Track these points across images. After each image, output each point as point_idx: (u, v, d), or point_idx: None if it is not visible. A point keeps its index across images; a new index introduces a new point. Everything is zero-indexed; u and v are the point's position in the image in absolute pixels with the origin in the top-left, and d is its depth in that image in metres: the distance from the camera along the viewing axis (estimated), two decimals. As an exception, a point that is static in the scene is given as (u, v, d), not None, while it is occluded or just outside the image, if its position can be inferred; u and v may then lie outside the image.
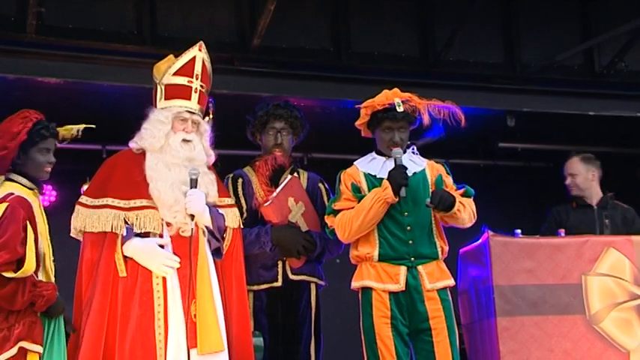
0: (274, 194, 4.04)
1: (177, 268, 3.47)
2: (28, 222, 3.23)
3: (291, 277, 4.07)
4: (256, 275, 4.05)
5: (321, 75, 5.44)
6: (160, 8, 5.22)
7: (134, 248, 3.47)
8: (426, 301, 3.77)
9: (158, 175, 3.55)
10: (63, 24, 4.97)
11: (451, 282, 3.87)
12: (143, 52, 5.06)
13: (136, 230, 3.50)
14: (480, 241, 4.27)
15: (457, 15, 5.49)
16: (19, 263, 3.18)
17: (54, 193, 5.93)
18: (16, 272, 3.14)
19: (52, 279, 3.36)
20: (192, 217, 3.52)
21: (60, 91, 5.07)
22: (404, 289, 3.76)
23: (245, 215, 4.11)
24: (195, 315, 3.40)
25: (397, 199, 3.73)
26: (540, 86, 5.80)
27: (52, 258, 3.39)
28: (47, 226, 3.42)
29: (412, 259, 3.78)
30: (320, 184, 4.32)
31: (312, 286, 4.14)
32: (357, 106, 3.97)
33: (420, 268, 3.79)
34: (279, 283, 4.05)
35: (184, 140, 3.62)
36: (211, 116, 4.11)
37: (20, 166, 3.34)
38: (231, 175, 4.25)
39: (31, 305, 3.21)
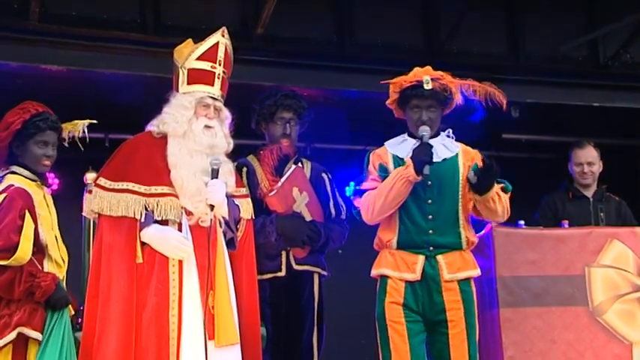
0: (279, 184, 4.03)
1: (196, 259, 3.44)
2: (27, 211, 3.23)
3: (295, 267, 4.07)
4: (260, 265, 4.04)
5: (324, 65, 5.42)
6: (164, -4, 5.20)
7: (152, 234, 3.43)
8: (443, 292, 3.62)
9: (181, 162, 3.50)
10: (66, 12, 4.96)
11: (475, 272, 3.70)
12: (146, 41, 5.05)
13: (156, 217, 3.45)
14: (483, 232, 4.26)
15: (461, 5, 5.47)
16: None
17: (56, 181, 5.93)
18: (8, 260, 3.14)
19: (62, 269, 3.36)
20: (211, 207, 3.48)
21: (63, 79, 5.06)
22: (419, 278, 3.62)
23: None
24: (213, 307, 3.38)
25: (420, 178, 3.57)
26: (545, 77, 5.78)
27: (60, 248, 3.37)
28: (54, 217, 3.41)
29: (431, 248, 3.64)
30: (323, 174, 4.31)
31: (316, 277, 4.14)
32: (383, 82, 3.82)
33: (439, 257, 3.64)
34: (282, 273, 4.05)
35: (206, 126, 3.58)
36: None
37: (20, 158, 3.34)
38: (235, 164, 4.23)
39: (31, 295, 3.21)
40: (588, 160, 4.88)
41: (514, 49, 5.82)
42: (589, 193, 4.92)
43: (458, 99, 3.69)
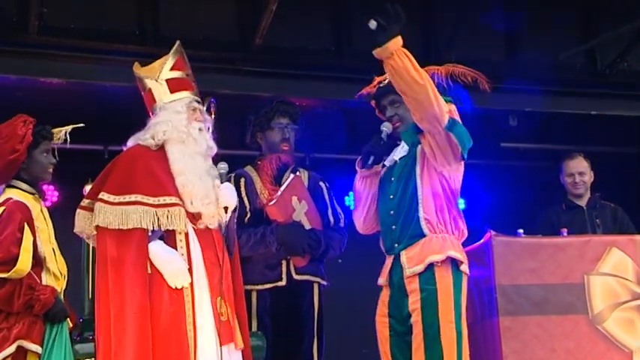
0: (279, 193, 4.04)
1: (205, 263, 3.45)
2: (26, 224, 3.24)
3: (295, 276, 4.07)
4: (260, 275, 4.05)
5: (322, 75, 5.44)
6: (162, 8, 5.22)
7: (158, 253, 3.42)
8: (408, 295, 3.35)
9: (186, 168, 3.51)
10: (65, 24, 4.98)
11: (437, 257, 3.28)
12: (145, 52, 5.05)
13: (165, 228, 3.44)
14: (483, 241, 4.26)
15: (459, 14, 5.49)
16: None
17: (56, 193, 5.93)
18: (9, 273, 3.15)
19: (61, 282, 3.36)
20: (225, 209, 3.50)
21: (62, 91, 5.08)
22: (387, 283, 3.45)
23: (249, 215, 4.12)
24: (222, 312, 3.39)
25: (368, 171, 3.50)
26: (542, 86, 5.79)
27: (58, 261, 3.38)
28: (51, 229, 3.42)
29: (396, 245, 3.42)
30: (321, 183, 4.33)
31: (315, 286, 4.15)
32: (357, 95, 3.81)
33: (402, 253, 3.38)
34: (283, 283, 4.05)
35: (200, 130, 3.61)
36: (213, 116, 4.12)
37: (24, 170, 3.36)
38: (232, 175, 4.24)
39: (30, 308, 3.21)
40: (579, 171, 4.95)
41: (512, 57, 5.84)
42: (582, 202, 4.96)
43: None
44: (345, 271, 5.31)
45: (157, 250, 3.41)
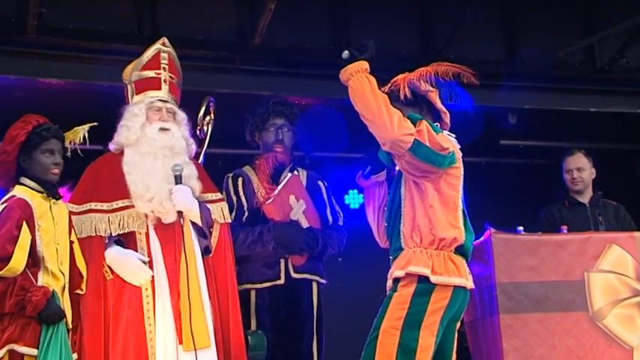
0: (276, 192, 4.05)
1: (165, 261, 3.47)
2: (25, 222, 3.24)
3: (294, 275, 4.08)
4: (259, 273, 4.06)
5: (322, 73, 5.43)
6: (161, 8, 5.21)
7: (112, 258, 3.49)
8: None
9: (132, 168, 3.55)
10: (63, 24, 4.97)
11: (398, 273, 3.21)
12: (144, 52, 5.05)
13: (120, 231, 3.49)
14: (482, 238, 4.26)
15: (457, 12, 5.48)
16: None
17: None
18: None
19: (61, 282, 3.35)
20: (180, 213, 3.50)
21: (61, 91, 5.07)
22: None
23: (247, 214, 4.12)
24: (180, 311, 3.40)
25: (366, 181, 3.48)
26: (541, 83, 5.79)
27: (62, 261, 3.37)
28: (62, 229, 3.41)
29: (390, 257, 3.37)
30: (319, 182, 4.34)
31: (314, 285, 4.16)
32: None
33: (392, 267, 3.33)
34: (281, 281, 4.06)
35: (162, 129, 3.61)
36: (212, 115, 4.12)
37: (27, 170, 3.36)
38: (230, 175, 4.25)
39: (22, 309, 3.20)
40: (577, 167, 4.93)
41: (511, 55, 5.83)
42: (585, 199, 4.95)
43: (404, 92, 3.37)
44: (345, 269, 5.31)
45: (112, 254, 3.47)
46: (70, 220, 3.50)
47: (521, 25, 5.82)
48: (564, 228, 4.56)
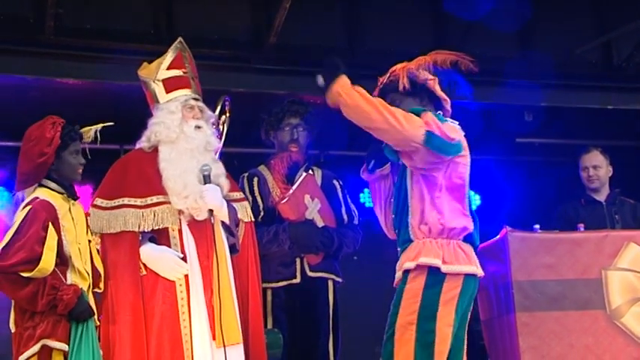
0: (291, 191, 4.06)
1: (199, 258, 3.49)
2: (50, 223, 3.28)
3: (310, 273, 4.09)
4: (275, 272, 4.07)
5: (337, 72, 5.43)
6: (177, 8, 5.24)
7: (148, 254, 3.49)
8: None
9: (170, 165, 3.56)
10: (80, 25, 5.01)
11: (408, 264, 3.19)
12: (160, 52, 5.04)
13: (154, 227, 3.51)
14: (499, 237, 4.25)
15: (472, 10, 5.47)
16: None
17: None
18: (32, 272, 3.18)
19: (87, 280, 3.39)
20: (210, 211, 3.52)
21: (78, 91, 5.11)
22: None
23: (262, 214, 4.13)
24: (214, 307, 3.43)
25: (371, 175, 3.45)
26: (558, 80, 5.76)
27: (86, 260, 3.41)
28: (81, 229, 3.44)
29: (399, 249, 3.34)
30: (334, 181, 4.35)
31: (330, 283, 4.16)
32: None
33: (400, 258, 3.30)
34: (297, 280, 4.07)
35: (197, 127, 3.64)
36: (228, 114, 4.13)
37: (54, 171, 3.40)
38: (246, 175, 4.27)
39: (54, 308, 3.25)
40: (593, 164, 4.90)
41: (527, 52, 5.81)
42: (601, 197, 4.92)
43: (403, 82, 3.34)
44: (360, 267, 5.31)
45: (147, 251, 3.48)
46: (87, 220, 3.53)
47: (538, 22, 5.79)
48: (581, 226, 4.53)
